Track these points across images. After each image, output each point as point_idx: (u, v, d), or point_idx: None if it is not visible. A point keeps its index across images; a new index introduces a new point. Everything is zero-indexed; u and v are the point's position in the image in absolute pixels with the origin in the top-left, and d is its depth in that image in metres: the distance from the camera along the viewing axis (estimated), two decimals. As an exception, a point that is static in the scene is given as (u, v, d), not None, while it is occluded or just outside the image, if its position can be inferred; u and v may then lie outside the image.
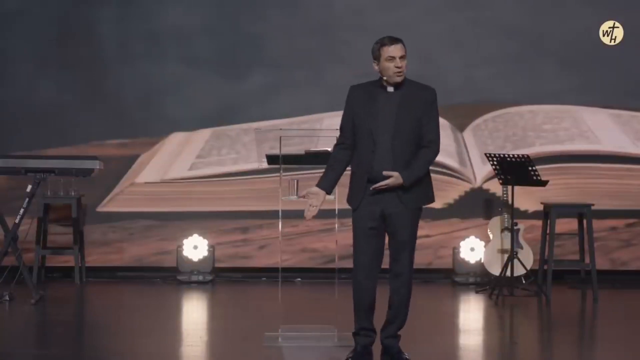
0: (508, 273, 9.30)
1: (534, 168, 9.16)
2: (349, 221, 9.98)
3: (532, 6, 10.26)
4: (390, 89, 6.62)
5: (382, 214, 6.57)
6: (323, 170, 6.67)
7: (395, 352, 6.70)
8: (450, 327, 8.30)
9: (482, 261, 9.86)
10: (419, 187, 6.61)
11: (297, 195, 7.22)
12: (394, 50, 6.58)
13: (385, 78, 6.61)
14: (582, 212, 9.53)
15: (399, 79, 6.59)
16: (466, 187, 10.29)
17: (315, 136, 8.55)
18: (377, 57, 6.62)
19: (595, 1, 10.24)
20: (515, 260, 9.32)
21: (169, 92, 10.31)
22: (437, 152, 6.66)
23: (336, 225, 7.61)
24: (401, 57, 6.58)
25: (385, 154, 6.53)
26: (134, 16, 10.31)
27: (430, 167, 6.67)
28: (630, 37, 10.16)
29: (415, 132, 6.58)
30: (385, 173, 6.51)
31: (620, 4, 10.22)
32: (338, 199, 7.15)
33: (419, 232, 10.02)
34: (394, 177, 6.49)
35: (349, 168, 6.69)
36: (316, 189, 6.58)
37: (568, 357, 7.37)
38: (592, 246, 9.40)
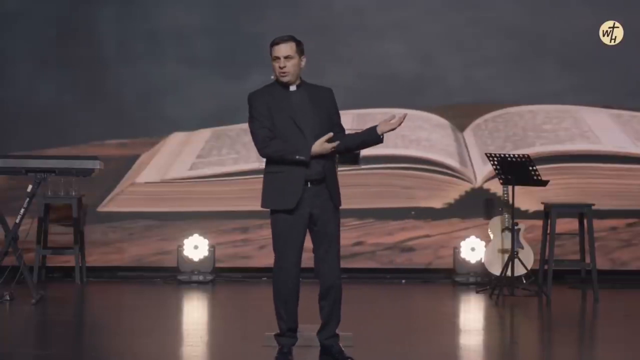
0: (508, 273, 9.30)
1: (534, 168, 9.15)
2: (348, 221, 10.04)
3: (532, 6, 10.26)
4: (293, 88, 6.63)
5: (311, 215, 6.59)
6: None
7: (337, 352, 6.71)
8: (450, 327, 8.29)
9: (483, 261, 9.86)
10: (338, 189, 6.68)
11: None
12: (278, 50, 6.57)
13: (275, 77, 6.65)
14: (582, 212, 9.52)
15: (283, 79, 6.59)
16: (467, 187, 10.29)
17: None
18: (270, 55, 6.64)
19: (596, 1, 10.24)
20: (516, 260, 9.31)
21: (169, 92, 10.31)
22: None
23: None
24: (286, 57, 6.55)
25: None
26: (133, 16, 10.31)
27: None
28: (630, 37, 10.16)
29: (329, 128, 6.62)
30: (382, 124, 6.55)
31: (620, 4, 10.21)
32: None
33: (419, 232, 10.23)
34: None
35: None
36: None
37: (568, 357, 7.36)
38: (593, 246, 9.40)
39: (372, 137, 6.65)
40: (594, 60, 10.22)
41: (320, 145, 6.51)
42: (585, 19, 10.19)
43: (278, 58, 6.56)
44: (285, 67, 6.56)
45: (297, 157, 6.51)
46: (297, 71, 6.61)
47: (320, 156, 6.54)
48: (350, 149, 6.78)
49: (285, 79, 6.59)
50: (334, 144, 6.52)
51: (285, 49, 6.57)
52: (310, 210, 6.58)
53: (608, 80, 10.25)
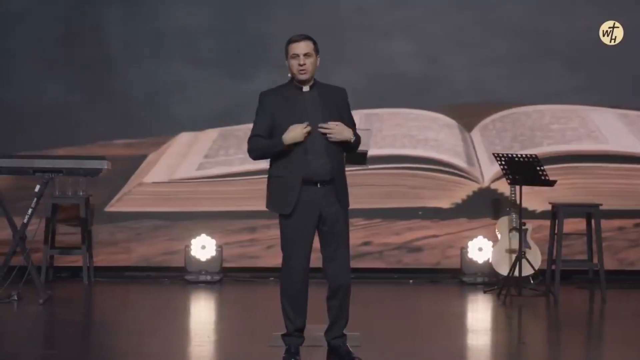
0: (516, 273, 9.29)
1: (541, 168, 9.15)
2: (356, 221, 10.03)
3: (538, 6, 10.25)
4: (306, 88, 6.64)
5: (320, 215, 6.58)
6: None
7: (345, 353, 6.70)
8: (458, 327, 8.29)
9: (490, 261, 9.85)
10: (347, 189, 6.67)
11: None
12: (297, 47, 6.58)
13: (292, 76, 6.64)
14: (590, 212, 9.51)
15: (302, 77, 6.60)
16: (474, 187, 10.28)
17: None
18: (286, 54, 6.64)
19: (603, 1, 10.22)
20: (523, 260, 9.31)
21: (176, 92, 10.31)
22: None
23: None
24: (305, 55, 6.57)
25: (320, 152, 6.54)
26: (140, 16, 10.31)
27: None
28: (633, 37, 10.14)
29: None
30: (322, 125, 6.50)
31: (630, 4, 10.19)
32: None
33: (427, 232, 10.22)
34: (340, 126, 6.52)
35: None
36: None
37: (576, 357, 7.36)
38: (600, 246, 9.39)
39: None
40: (600, 60, 10.21)
41: (293, 129, 6.48)
42: (591, 18, 10.18)
43: (297, 55, 6.57)
44: (304, 64, 6.56)
45: (276, 149, 6.51)
46: (314, 70, 6.62)
47: (329, 157, 6.54)
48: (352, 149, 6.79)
49: (304, 77, 6.58)
50: (307, 129, 6.47)
51: (304, 47, 6.58)
52: (319, 210, 6.57)
53: (615, 80, 10.23)
